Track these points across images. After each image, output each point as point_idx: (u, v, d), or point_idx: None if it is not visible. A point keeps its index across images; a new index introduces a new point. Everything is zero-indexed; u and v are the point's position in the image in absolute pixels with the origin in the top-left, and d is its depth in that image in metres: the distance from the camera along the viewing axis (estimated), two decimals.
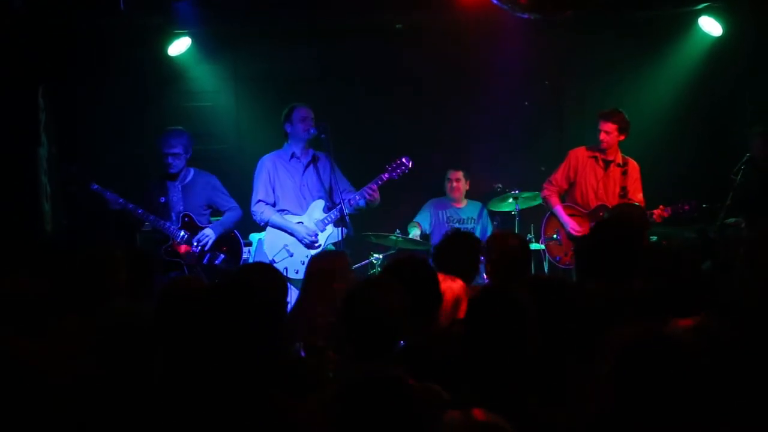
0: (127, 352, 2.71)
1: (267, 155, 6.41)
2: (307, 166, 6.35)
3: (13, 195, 6.30)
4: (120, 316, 2.83)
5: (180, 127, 6.35)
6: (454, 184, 7.47)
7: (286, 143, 6.39)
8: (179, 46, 7.37)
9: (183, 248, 6.08)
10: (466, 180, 7.49)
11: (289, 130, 6.33)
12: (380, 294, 2.81)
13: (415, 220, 7.50)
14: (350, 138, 7.03)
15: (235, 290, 2.91)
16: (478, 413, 1.75)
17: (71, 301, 3.34)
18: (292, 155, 6.34)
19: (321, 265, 4.20)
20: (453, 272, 3.93)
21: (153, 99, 7.56)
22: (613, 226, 4.00)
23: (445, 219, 7.47)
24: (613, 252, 3.66)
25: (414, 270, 3.39)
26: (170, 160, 6.20)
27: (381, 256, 6.99)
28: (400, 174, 6.28)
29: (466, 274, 4.06)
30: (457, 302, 3.79)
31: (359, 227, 6.58)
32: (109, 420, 2.53)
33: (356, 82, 7.83)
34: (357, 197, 6.23)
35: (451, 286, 3.81)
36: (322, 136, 6.17)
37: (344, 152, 6.49)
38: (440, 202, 7.59)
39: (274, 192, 6.32)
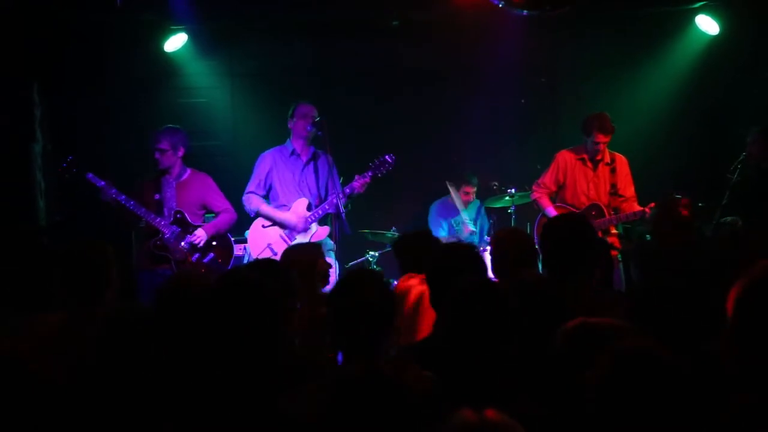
0: (123, 349, 2.67)
1: (269, 150, 6.42)
2: (306, 164, 6.35)
3: (7, 191, 6.28)
4: (115, 313, 2.80)
5: (175, 126, 6.30)
6: (463, 198, 7.47)
7: (288, 139, 6.41)
8: (175, 42, 7.35)
9: (182, 255, 6.06)
10: (474, 188, 7.51)
11: (291, 126, 6.36)
12: (365, 288, 2.71)
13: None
14: (345, 134, 7.01)
15: (238, 287, 2.88)
16: (491, 414, 1.73)
17: (61, 298, 3.32)
18: (292, 152, 6.36)
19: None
20: (414, 269, 4.07)
21: (149, 95, 7.54)
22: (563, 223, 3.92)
23: (450, 224, 7.50)
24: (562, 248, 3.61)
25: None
26: (156, 155, 6.17)
27: (377, 254, 7.00)
28: (384, 172, 6.24)
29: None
30: (420, 297, 3.90)
31: (356, 224, 6.56)
32: (104, 417, 2.51)
33: (352, 78, 7.82)
34: (341, 196, 6.13)
35: (413, 283, 4.00)
36: (319, 133, 6.16)
37: (339, 148, 6.47)
38: (444, 209, 7.58)
39: (273, 187, 6.34)
